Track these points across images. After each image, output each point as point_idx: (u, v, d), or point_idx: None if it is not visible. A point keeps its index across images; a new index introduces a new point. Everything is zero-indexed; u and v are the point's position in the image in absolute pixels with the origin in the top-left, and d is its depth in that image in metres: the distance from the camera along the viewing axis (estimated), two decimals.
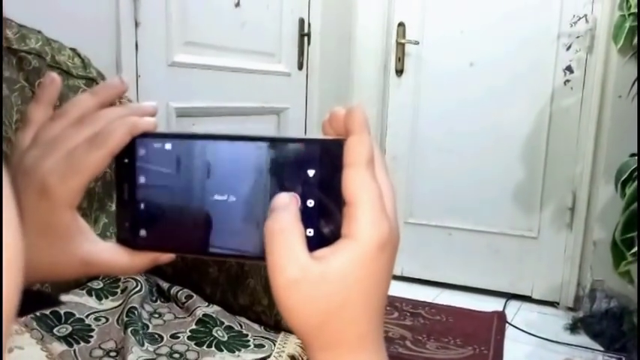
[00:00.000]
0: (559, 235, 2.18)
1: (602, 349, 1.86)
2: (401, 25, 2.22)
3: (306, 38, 2.08)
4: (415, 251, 2.31)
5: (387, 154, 2.32)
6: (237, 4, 1.74)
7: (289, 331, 1.00)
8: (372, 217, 0.27)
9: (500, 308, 2.16)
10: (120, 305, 0.98)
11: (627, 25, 1.71)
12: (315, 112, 2.18)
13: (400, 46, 2.24)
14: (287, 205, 0.28)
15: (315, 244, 0.28)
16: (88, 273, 0.34)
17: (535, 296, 2.24)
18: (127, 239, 0.33)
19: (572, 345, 1.89)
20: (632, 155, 1.58)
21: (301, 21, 2.04)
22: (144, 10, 1.43)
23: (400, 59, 2.26)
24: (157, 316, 0.99)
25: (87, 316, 0.94)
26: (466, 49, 2.18)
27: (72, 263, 0.32)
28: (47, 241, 0.32)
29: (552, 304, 2.22)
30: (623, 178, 1.52)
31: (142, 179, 0.32)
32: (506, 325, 2.03)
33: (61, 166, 0.31)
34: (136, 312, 0.95)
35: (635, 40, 1.74)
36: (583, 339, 1.94)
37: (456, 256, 2.31)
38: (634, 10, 1.59)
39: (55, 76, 0.36)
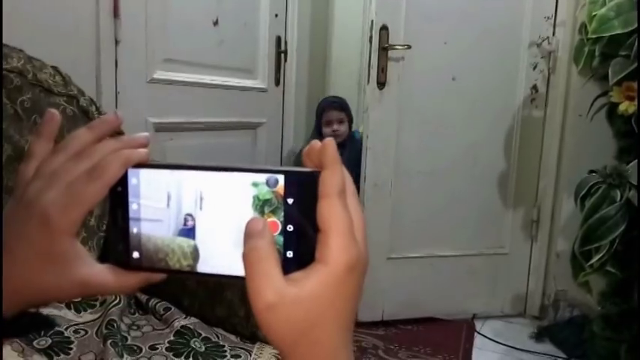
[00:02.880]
0: (525, 248, 2.26)
1: (565, 356, 1.94)
2: (384, 28, 1.92)
3: (282, 55, 2.14)
4: (398, 289, 2.12)
5: (367, 181, 2.02)
6: (216, 23, 1.79)
7: (265, 341, 1.04)
8: (342, 244, 0.30)
9: (469, 316, 2.23)
10: (99, 318, 1.01)
11: (586, 48, 1.81)
12: (291, 127, 2.23)
13: (384, 55, 1.94)
14: (261, 232, 0.31)
15: (293, 264, 0.31)
16: (85, 294, 0.36)
17: (505, 310, 2.29)
18: (121, 261, 0.36)
19: (537, 353, 1.97)
20: (591, 172, 1.67)
21: (278, 38, 2.10)
22: (124, 28, 1.47)
23: (383, 70, 1.95)
24: (135, 328, 1.02)
25: (66, 329, 0.96)
26: (450, 62, 2.05)
27: (70, 286, 0.35)
28: (47, 267, 0.34)
29: (519, 313, 2.30)
30: (582, 194, 1.60)
31: (134, 206, 0.35)
32: (475, 333, 2.10)
33: (61, 198, 0.34)
34: (114, 324, 0.98)
35: (595, 62, 1.83)
36: (548, 347, 2.02)
37: (439, 286, 2.20)
38: (591, 35, 1.68)
39: (54, 113, 0.38)
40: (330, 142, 0.32)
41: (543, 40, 2.11)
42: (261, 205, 0.32)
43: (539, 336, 2.08)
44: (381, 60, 1.96)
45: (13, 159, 1.05)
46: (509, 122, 2.17)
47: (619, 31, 1.62)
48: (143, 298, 1.10)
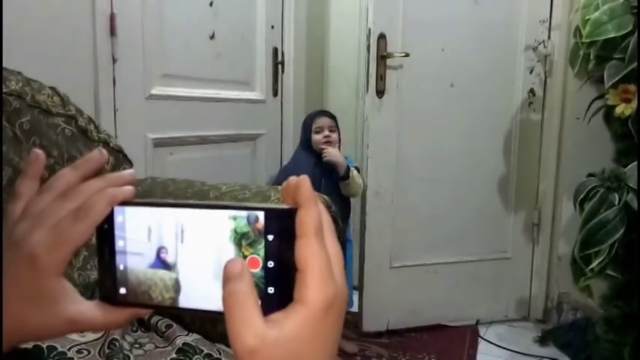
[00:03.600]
0: (527, 251, 2.26)
1: (569, 359, 1.93)
2: (382, 37, 1.94)
3: (280, 66, 2.15)
4: (402, 298, 2.12)
5: (369, 190, 2.03)
6: (212, 37, 1.80)
7: None
8: (319, 283, 0.31)
9: (473, 322, 2.23)
10: (101, 337, 1.01)
11: (581, 52, 1.82)
12: (290, 137, 2.24)
13: (382, 63, 1.97)
14: (240, 274, 0.31)
15: (275, 300, 0.32)
16: (73, 331, 0.37)
17: (509, 314, 2.29)
18: (109, 297, 0.36)
19: (541, 357, 1.96)
20: (590, 175, 1.67)
21: (275, 50, 2.11)
22: (121, 46, 1.48)
23: (382, 78, 1.98)
24: (137, 346, 1.03)
25: (69, 349, 0.97)
26: (448, 69, 2.07)
27: (58, 324, 0.36)
28: (35, 306, 0.35)
29: (523, 317, 2.30)
30: (581, 197, 1.61)
31: (120, 243, 0.36)
32: (479, 339, 2.10)
33: (48, 238, 0.34)
34: (117, 343, 0.98)
35: (590, 65, 1.83)
36: (552, 350, 2.02)
37: (442, 292, 2.20)
38: (585, 39, 1.69)
39: (39, 153, 0.39)
40: (305, 180, 0.32)
41: (539, 44, 2.12)
42: (239, 238, 0.33)
43: (543, 340, 2.08)
44: (380, 68, 1.97)
45: (13, 181, 1.06)
46: (507, 126, 2.18)
47: (613, 35, 1.63)
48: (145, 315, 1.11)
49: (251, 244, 0.33)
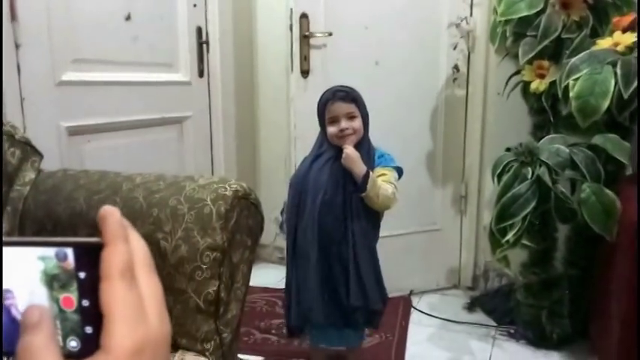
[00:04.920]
0: (456, 222, 2.35)
1: (495, 324, 2.04)
2: (304, 16, 1.93)
3: (205, 46, 2.09)
4: None
5: None
6: (128, 18, 1.73)
7: (187, 348, 1.05)
8: (124, 330, 0.29)
9: (406, 293, 2.30)
10: None
11: (499, 29, 1.86)
12: (220, 119, 2.20)
13: (306, 43, 1.95)
14: (37, 325, 0.28)
15: (94, 340, 0.30)
16: None
17: (440, 283, 2.38)
18: None
19: (469, 323, 2.06)
20: (507, 150, 1.74)
21: (198, 29, 2.05)
22: (24, 31, 1.40)
23: (306, 58, 1.97)
24: None
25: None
26: (372, 47, 2.07)
27: None
28: None
29: (454, 285, 2.40)
30: (498, 172, 1.67)
31: None
32: (412, 309, 2.18)
33: None
34: None
35: (508, 42, 1.89)
36: (480, 316, 2.12)
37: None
38: (501, 17, 1.73)
39: None
40: (111, 213, 0.30)
41: (462, 20, 2.16)
42: (50, 281, 0.31)
43: (471, 306, 2.18)
44: (303, 48, 1.96)
45: None
46: (433, 102, 2.22)
47: (525, 13, 1.68)
48: None
49: (63, 286, 0.31)
